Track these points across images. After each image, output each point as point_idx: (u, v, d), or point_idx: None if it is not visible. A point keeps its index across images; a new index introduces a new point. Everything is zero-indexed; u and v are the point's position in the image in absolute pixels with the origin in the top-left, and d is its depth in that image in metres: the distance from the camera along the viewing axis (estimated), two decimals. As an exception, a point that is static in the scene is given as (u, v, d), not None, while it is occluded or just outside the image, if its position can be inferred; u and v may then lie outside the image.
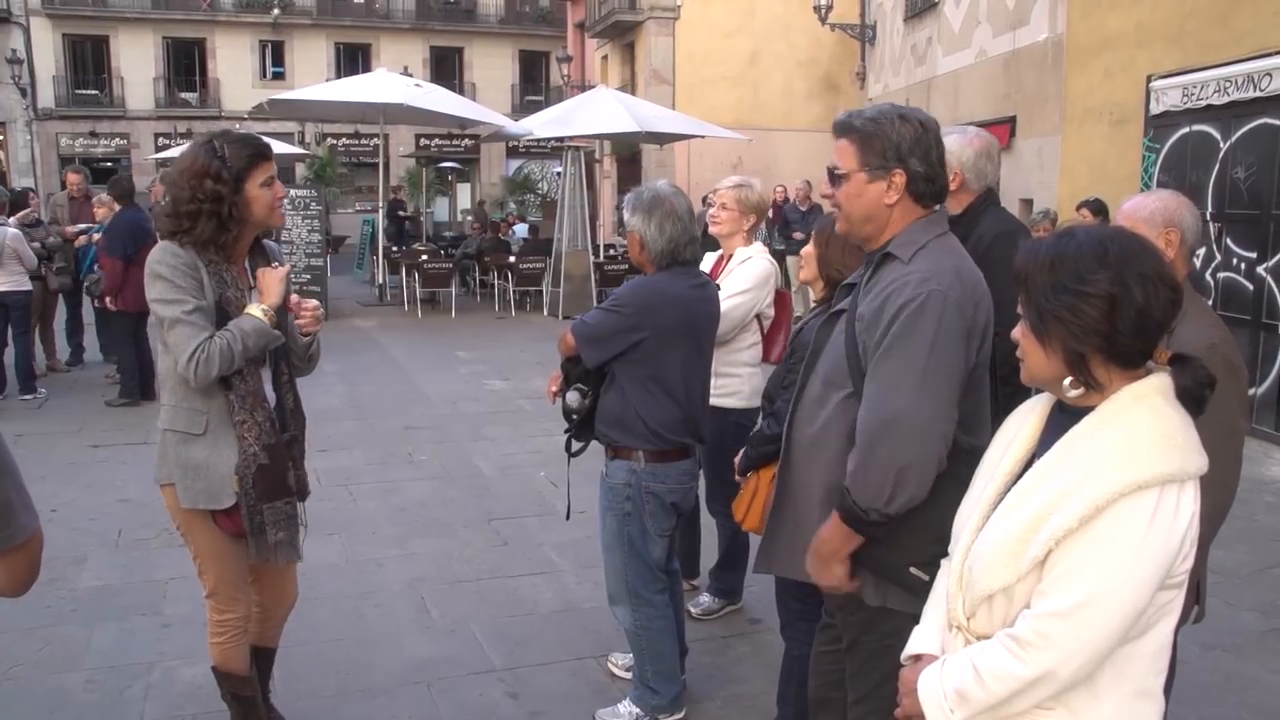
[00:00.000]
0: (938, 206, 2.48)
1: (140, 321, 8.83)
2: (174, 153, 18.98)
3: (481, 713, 3.78)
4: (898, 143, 2.36)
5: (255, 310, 2.93)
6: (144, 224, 8.70)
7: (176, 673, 3.99)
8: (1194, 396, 1.70)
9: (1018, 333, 1.79)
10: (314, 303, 3.17)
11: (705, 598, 4.67)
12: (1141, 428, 1.64)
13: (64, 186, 11.56)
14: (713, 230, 4.44)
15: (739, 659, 4.24)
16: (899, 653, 2.06)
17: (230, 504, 2.96)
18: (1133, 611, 1.61)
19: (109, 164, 33.82)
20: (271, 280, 3.01)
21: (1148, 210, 2.84)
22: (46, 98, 33.61)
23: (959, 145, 3.44)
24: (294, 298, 3.14)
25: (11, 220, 9.19)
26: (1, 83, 32.59)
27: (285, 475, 3.04)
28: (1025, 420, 1.88)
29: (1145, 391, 1.68)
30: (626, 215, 3.45)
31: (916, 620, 2.05)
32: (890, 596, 2.37)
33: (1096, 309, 1.64)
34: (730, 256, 4.39)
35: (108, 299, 8.82)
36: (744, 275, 4.24)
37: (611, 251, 18.11)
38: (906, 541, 2.29)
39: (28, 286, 9.04)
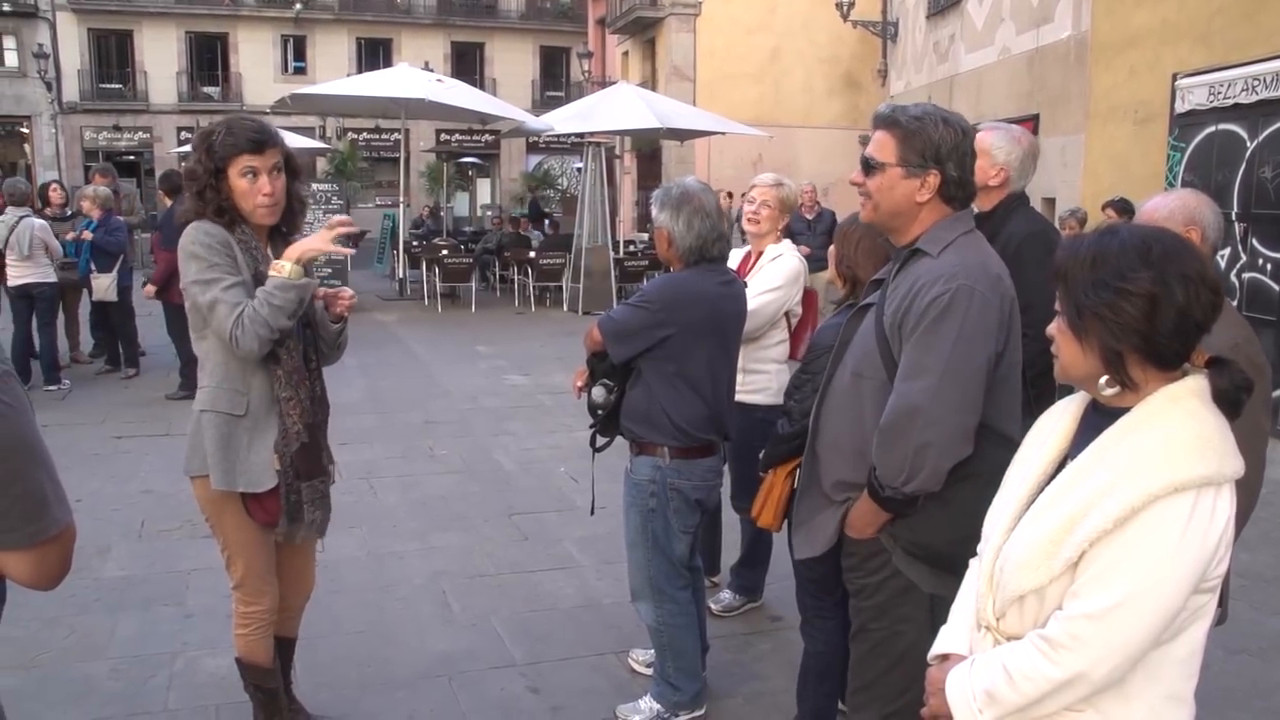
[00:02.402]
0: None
1: None
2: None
3: (502, 707, 3.78)
4: (938, 144, 2.43)
5: (276, 266, 2.89)
6: None
7: (199, 663, 4.02)
8: (1231, 399, 1.68)
9: (1053, 329, 1.77)
10: (349, 291, 3.22)
11: (726, 594, 4.66)
12: (1178, 430, 1.62)
13: (88, 181, 11.58)
14: (751, 229, 4.39)
15: (760, 656, 4.23)
16: (905, 641, 2.06)
17: (270, 486, 2.96)
18: (1166, 615, 1.59)
19: (132, 157, 34.10)
20: (299, 243, 2.99)
21: (1167, 209, 2.81)
22: (71, 91, 33.89)
23: (1008, 143, 3.44)
24: (323, 289, 3.15)
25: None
26: (27, 76, 32.94)
27: (321, 454, 3.11)
28: (1059, 420, 1.86)
29: (1182, 393, 1.66)
30: (655, 211, 3.44)
31: (927, 611, 2.06)
32: (914, 572, 2.44)
33: (1137, 308, 1.62)
34: (760, 254, 4.37)
35: (151, 287, 8.70)
36: (775, 272, 4.23)
37: (631, 248, 18.11)
38: (933, 524, 2.38)
39: (53, 279, 9.12)
